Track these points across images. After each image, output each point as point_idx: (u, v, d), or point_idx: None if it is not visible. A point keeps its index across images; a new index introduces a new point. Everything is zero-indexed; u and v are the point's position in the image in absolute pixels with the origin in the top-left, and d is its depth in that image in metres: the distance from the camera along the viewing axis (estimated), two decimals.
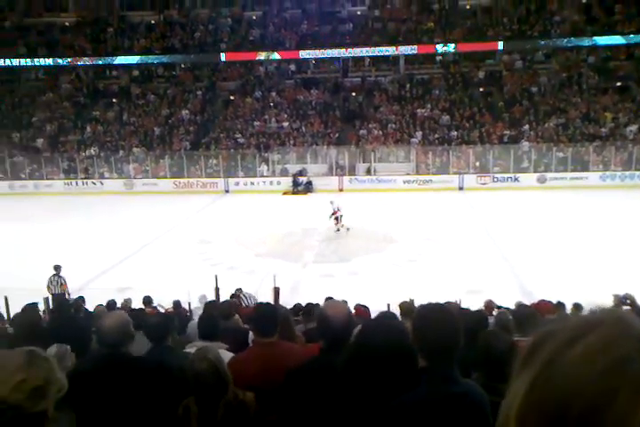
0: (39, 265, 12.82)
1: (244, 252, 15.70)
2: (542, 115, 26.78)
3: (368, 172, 25.77)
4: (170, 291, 9.81)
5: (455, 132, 26.54)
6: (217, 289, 9.78)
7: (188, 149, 27.84)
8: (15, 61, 31.88)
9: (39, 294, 9.00)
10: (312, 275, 13.63)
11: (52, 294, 10.96)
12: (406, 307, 6.43)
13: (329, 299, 7.85)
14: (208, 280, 10.00)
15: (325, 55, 31.05)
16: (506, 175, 24.42)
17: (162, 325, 2.94)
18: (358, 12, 32.89)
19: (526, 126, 26.25)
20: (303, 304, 7.97)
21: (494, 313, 5.87)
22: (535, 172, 24.46)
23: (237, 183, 26.15)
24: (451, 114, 27.48)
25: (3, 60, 31.61)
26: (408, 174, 25.37)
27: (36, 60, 32.04)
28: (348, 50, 30.32)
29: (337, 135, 27.58)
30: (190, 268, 13.99)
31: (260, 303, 4.30)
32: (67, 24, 34.65)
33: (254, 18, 34.11)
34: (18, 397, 1.24)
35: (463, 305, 6.94)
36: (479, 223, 17.95)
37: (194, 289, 9.72)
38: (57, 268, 11.54)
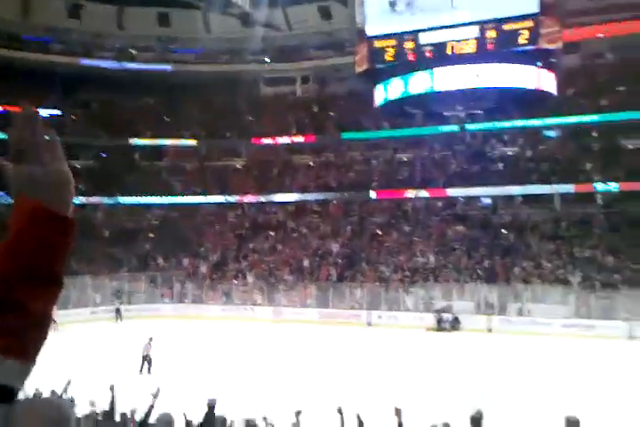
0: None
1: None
2: None
3: (520, 312, 24.04)
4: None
5: (619, 275, 24.17)
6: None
7: (334, 280, 28.55)
8: (194, 198, 36.62)
9: None
10: None
11: None
12: None
13: None
14: None
15: (474, 193, 31.40)
16: None
17: None
18: (509, 153, 33.47)
19: None
20: None
21: None
22: None
23: (380, 317, 25.81)
24: (614, 255, 25.35)
25: (185, 196, 36.50)
26: (566, 318, 23.16)
27: (210, 197, 36.54)
28: (498, 188, 30.42)
29: (485, 272, 26.62)
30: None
31: None
32: (238, 166, 39.61)
33: (404, 159, 36.21)
34: None
35: None
36: None
37: None
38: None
